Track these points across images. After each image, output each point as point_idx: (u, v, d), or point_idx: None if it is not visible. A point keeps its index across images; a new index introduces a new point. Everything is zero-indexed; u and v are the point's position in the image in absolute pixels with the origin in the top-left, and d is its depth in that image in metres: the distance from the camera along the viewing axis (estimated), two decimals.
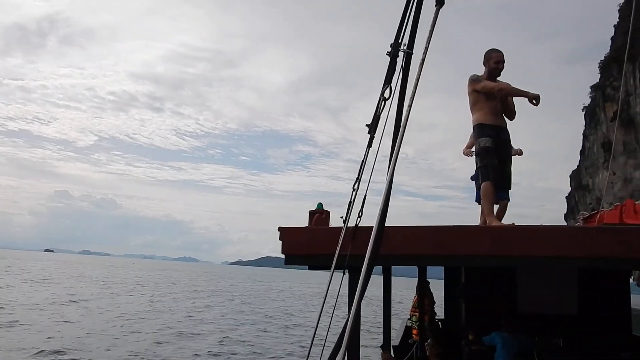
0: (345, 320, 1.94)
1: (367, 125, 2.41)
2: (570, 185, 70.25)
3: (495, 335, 6.43)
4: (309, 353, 3.25)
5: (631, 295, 7.11)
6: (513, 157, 5.49)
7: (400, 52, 2.10)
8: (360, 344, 3.78)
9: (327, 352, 2.20)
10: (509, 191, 5.44)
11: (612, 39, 60.66)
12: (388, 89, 2.17)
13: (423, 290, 8.26)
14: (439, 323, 8.67)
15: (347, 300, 3.35)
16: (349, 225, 2.99)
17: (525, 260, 3.81)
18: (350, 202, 2.77)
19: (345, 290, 3.21)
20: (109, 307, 26.94)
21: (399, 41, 2.11)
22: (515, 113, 5.36)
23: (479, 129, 5.10)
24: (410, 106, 1.94)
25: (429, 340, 7.22)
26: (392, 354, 7.79)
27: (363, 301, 2.01)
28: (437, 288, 8.81)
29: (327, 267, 3.07)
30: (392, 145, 1.96)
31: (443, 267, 7.66)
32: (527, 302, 6.89)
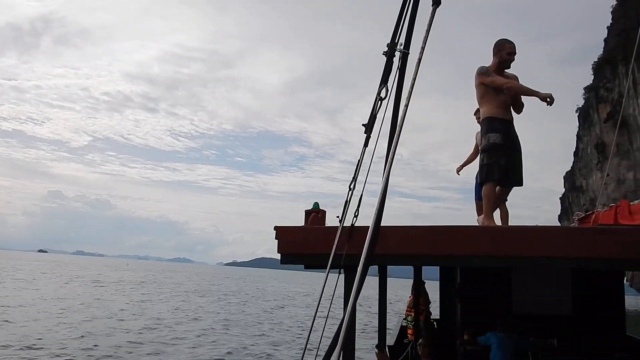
0: (340, 320, 1.94)
1: (363, 125, 2.41)
2: (564, 186, 70.55)
3: (491, 336, 6.44)
4: (303, 353, 3.25)
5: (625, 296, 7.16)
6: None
7: (396, 52, 2.10)
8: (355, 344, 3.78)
9: (322, 353, 2.20)
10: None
11: (605, 40, 60.94)
12: (384, 88, 2.17)
13: (418, 290, 8.27)
14: (434, 323, 8.69)
15: (343, 300, 3.35)
16: (345, 225, 2.99)
17: (520, 261, 3.81)
18: (346, 201, 2.77)
19: (340, 291, 3.21)
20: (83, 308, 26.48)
21: (396, 41, 2.11)
22: (523, 106, 5.17)
23: (489, 123, 4.88)
24: (406, 106, 1.94)
25: (420, 340, 7.22)
26: (387, 354, 7.79)
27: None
28: (432, 289, 8.82)
29: (323, 267, 3.07)
30: (389, 145, 1.96)
31: (438, 267, 7.67)
32: (522, 302, 6.91)
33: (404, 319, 8.96)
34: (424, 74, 1.93)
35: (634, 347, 6.71)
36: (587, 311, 6.72)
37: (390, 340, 8.48)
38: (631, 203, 4.03)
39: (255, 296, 49.79)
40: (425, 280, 8.61)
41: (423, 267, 8.14)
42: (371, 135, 2.40)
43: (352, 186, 2.69)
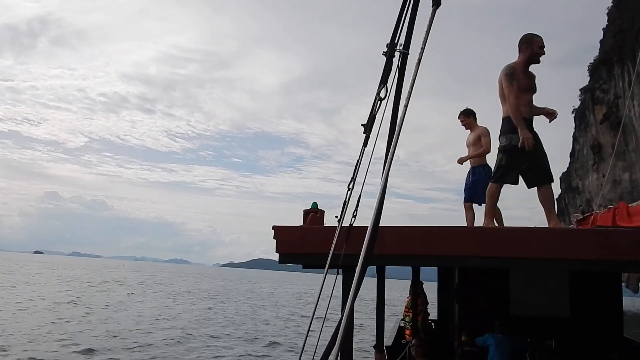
0: (338, 320, 1.94)
1: (362, 125, 2.41)
2: (560, 187, 70.76)
3: (489, 337, 6.45)
4: (301, 353, 3.25)
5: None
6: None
7: (396, 52, 2.10)
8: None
9: (320, 352, 2.19)
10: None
11: (600, 42, 61.18)
12: (384, 89, 2.17)
13: (416, 290, 8.28)
14: (432, 324, 8.69)
15: (341, 300, 3.34)
16: (343, 225, 2.99)
17: (518, 262, 3.82)
18: (345, 201, 2.77)
19: (338, 291, 3.21)
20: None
21: (395, 41, 2.12)
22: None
23: (511, 122, 4.72)
24: (406, 106, 1.94)
25: (413, 341, 7.21)
26: (385, 354, 7.79)
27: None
28: (431, 290, 8.83)
29: (322, 267, 3.07)
30: (388, 145, 1.96)
31: (437, 268, 7.68)
32: (520, 303, 6.92)
33: (402, 319, 8.97)
34: (422, 75, 1.93)
35: (632, 349, 6.72)
36: (585, 313, 6.73)
37: (388, 340, 8.49)
38: (629, 205, 4.04)
39: (256, 297, 49.77)
40: (423, 281, 8.62)
41: (421, 268, 8.15)
42: (370, 135, 2.40)
43: (350, 186, 2.69)
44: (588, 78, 61.03)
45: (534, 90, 4.97)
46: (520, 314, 6.84)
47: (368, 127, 2.37)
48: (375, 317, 7.56)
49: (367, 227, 1.84)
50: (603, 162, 55.00)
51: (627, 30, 50.42)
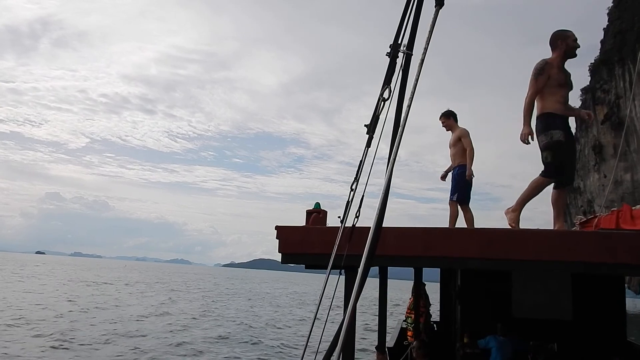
0: (340, 321, 1.93)
1: (365, 125, 2.40)
2: None
3: (491, 339, 6.44)
4: (303, 353, 3.24)
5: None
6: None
7: (399, 52, 2.09)
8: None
9: (322, 353, 2.19)
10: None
11: (601, 42, 61.10)
12: (387, 89, 2.17)
13: (419, 291, 8.26)
14: (434, 325, 8.68)
15: (343, 301, 3.34)
16: (346, 225, 2.98)
17: (520, 264, 3.80)
18: (348, 202, 2.76)
19: (340, 292, 3.20)
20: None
21: (399, 42, 2.11)
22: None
23: (550, 119, 4.61)
24: (409, 107, 1.93)
25: (413, 343, 7.19)
26: (387, 356, 7.78)
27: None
28: (434, 291, 8.82)
29: (324, 267, 3.06)
30: (391, 146, 1.96)
31: (439, 269, 7.66)
32: (523, 306, 6.90)
33: (404, 320, 8.96)
34: (423, 75, 1.92)
35: (634, 353, 6.68)
36: (588, 316, 6.70)
37: (390, 341, 8.48)
38: (633, 208, 4.01)
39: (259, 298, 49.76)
40: (425, 282, 8.61)
41: (424, 269, 8.14)
42: (373, 135, 2.39)
43: (354, 187, 2.68)
44: (589, 78, 60.98)
45: (571, 87, 4.85)
46: (522, 316, 6.82)
47: (371, 128, 2.37)
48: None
49: (370, 227, 1.83)
50: (604, 163, 54.91)
51: (627, 30, 50.38)
